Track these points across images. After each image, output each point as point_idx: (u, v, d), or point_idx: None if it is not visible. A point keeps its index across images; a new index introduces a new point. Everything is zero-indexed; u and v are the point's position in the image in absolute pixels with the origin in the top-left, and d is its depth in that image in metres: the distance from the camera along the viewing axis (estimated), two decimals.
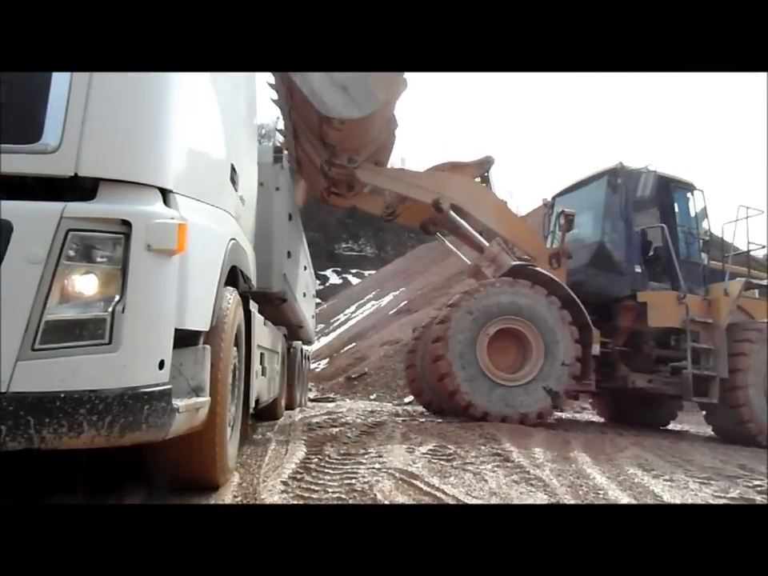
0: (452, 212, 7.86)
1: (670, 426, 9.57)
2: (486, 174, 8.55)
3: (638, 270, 8.02)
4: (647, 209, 8.48)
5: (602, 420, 10.02)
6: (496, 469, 4.13)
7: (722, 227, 8.48)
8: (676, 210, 8.39)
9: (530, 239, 8.26)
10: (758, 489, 4.17)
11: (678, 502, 3.52)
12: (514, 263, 7.54)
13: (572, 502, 3.34)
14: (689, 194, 8.49)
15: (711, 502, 3.63)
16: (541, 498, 3.37)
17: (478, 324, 6.83)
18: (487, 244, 7.95)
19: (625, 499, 3.48)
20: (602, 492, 3.62)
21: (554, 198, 9.36)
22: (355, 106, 6.25)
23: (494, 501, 3.26)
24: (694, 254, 8.37)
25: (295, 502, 2.88)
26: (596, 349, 7.42)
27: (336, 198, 8.40)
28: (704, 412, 8.44)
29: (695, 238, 8.38)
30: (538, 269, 7.45)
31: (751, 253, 8.86)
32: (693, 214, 8.47)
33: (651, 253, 8.43)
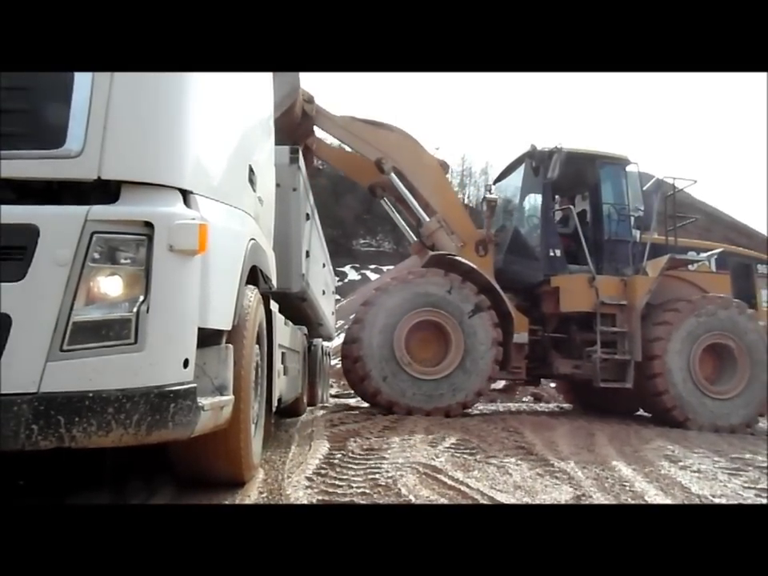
0: (393, 175, 7.73)
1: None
2: None
3: (553, 254, 7.81)
4: (577, 188, 8.25)
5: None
6: (520, 462, 4.12)
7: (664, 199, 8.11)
8: (602, 187, 8.05)
9: (462, 223, 8.09)
10: None
11: (707, 493, 3.48)
12: (433, 253, 7.48)
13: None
14: (620, 170, 8.16)
15: (741, 493, 3.58)
16: (566, 491, 3.36)
17: (394, 318, 6.81)
18: (427, 218, 7.86)
19: (652, 491, 3.45)
20: (627, 484, 3.59)
21: (494, 183, 9.27)
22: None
23: (518, 494, 3.25)
24: (621, 232, 8.03)
25: (315, 501, 2.89)
26: (524, 336, 7.34)
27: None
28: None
29: (625, 215, 8.03)
30: (457, 258, 7.33)
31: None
32: (624, 190, 8.08)
33: (581, 236, 8.11)
